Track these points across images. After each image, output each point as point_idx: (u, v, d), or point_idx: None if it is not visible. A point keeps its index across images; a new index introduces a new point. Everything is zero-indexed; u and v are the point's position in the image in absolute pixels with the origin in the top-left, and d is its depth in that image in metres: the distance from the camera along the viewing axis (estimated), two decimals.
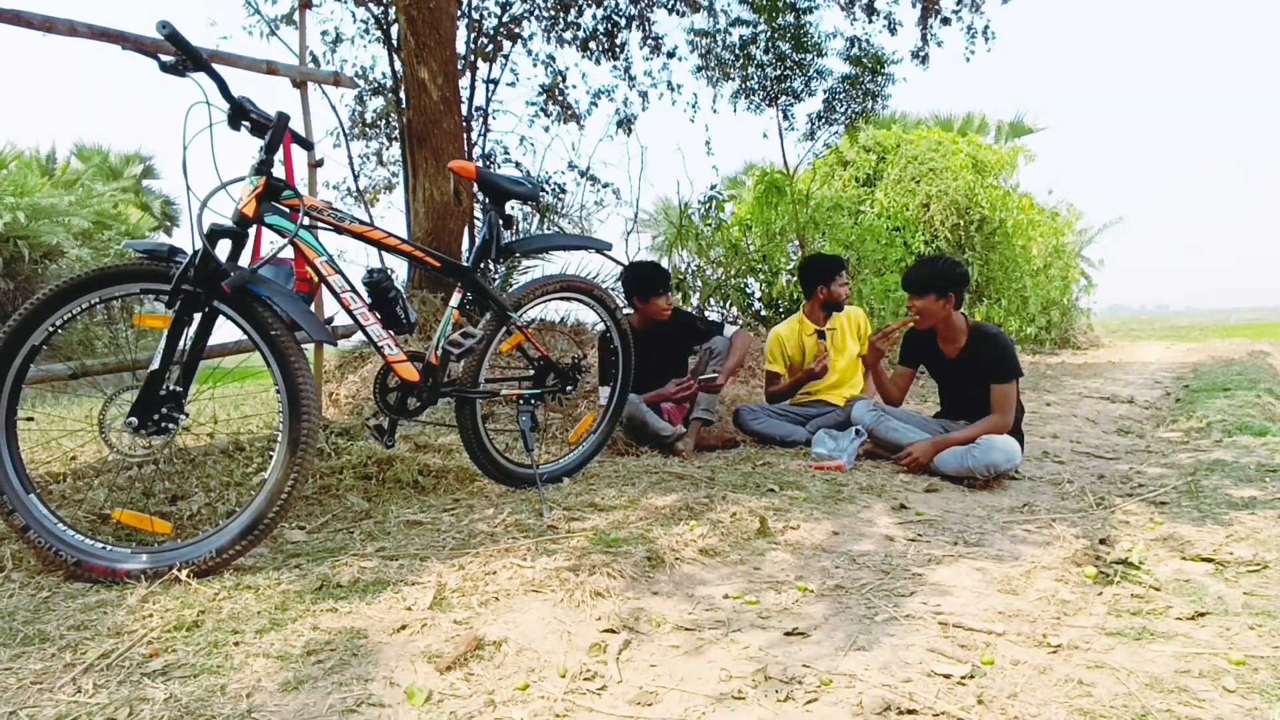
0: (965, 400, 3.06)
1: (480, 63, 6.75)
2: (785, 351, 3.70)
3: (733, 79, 7.40)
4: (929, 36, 7.25)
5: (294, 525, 2.14)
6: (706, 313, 7.29)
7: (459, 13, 5.72)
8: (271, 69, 2.90)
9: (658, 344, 3.41)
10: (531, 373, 2.55)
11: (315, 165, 3.05)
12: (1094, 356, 10.35)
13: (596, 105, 7.58)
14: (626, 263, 4.02)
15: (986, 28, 7.11)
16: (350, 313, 2.08)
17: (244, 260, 1.89)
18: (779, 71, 7.22)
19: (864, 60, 7.19)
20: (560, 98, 7.40)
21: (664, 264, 7.36)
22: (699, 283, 7.55)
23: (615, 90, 7.56)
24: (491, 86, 6.86)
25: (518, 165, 7.31)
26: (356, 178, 6.96)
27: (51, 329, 1.75)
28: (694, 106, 7.74)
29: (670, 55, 7.49)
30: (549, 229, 7.05)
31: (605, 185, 7.58)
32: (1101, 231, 16.07)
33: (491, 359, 2.48)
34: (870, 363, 3.20)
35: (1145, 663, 1.35)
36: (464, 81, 6.22)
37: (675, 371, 3.50)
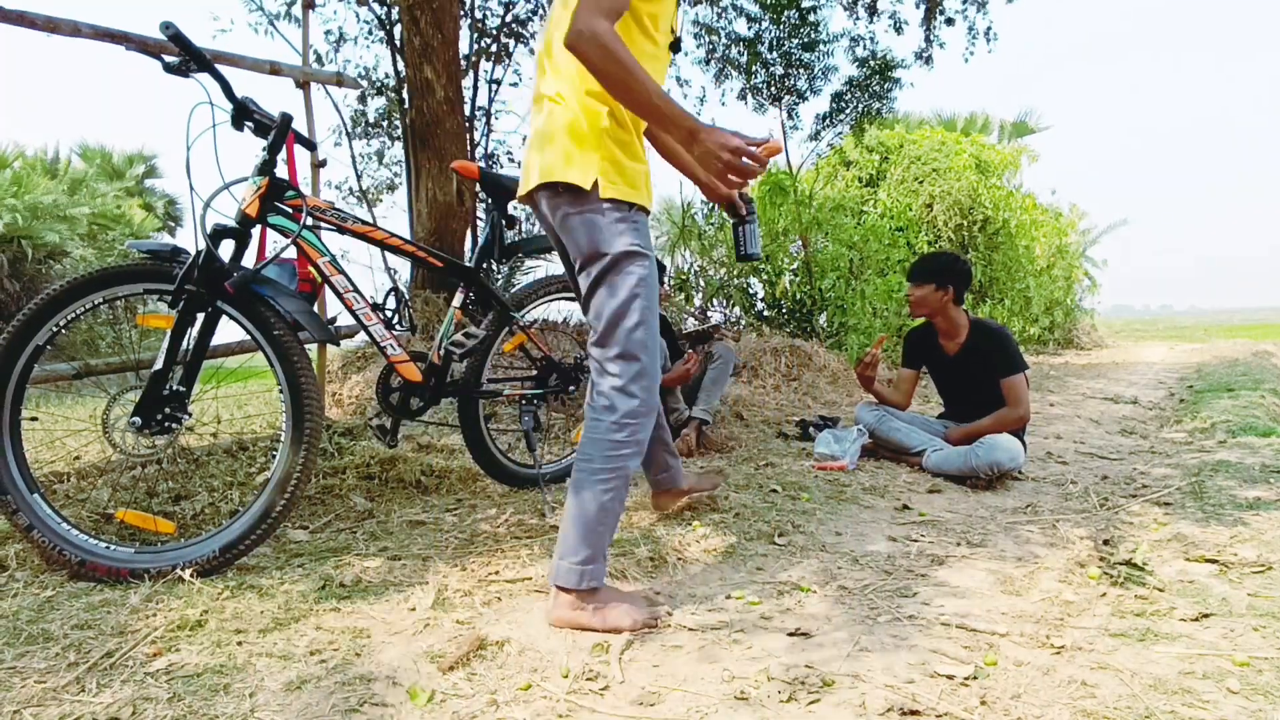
0: (968, 398, 3.05)
1: (483, 63, 6.76)
2: None
3: (736, 77, 7.41)
4: (932, 37, 7.25)
5: (297, 525, 2.14)
6: (710, 314, 7.29)
7: (462, 13, 5.72)
8: (275, 69, 2.91)
9: None
10: (534, 373, 2.56)
11: (318, 165, 3.06)
12: (1098, 357, 10.32)
13: None
14: None
15: (989, 29, 7.12)
16: (353, 313, 2.08)
17: (247, 260, 1.90)
18: (784, 70, 7.23)
19: (871, 63, 7.20)
20: None
21: (666, 263, 7.34)
22: (701, 283, 7.55)
23: None
24: (494, 86, 6.87)
25: (520, 165, 7.32)
26: (359, 178, 6.98)
27: (55, 329, 1.75)
28: (702, 100, 7.75)
29: (675, 50, 7.48)
30: None
31: None
32: (1105, 232, 16.05)
33: (494, 359, 2.48)
34: (867, 388, 3.22)
35: (1149, 664, 1.34)
36: (467, 81, 6.23)
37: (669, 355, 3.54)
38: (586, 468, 1.52)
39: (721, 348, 3.52)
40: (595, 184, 1.49)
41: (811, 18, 7.04)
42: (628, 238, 1.51)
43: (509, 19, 6.89)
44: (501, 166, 7.10)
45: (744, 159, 1.40)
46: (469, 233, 5.32)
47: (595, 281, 1.54)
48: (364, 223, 2.10)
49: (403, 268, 5.52)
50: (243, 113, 1.86)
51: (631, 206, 1.53)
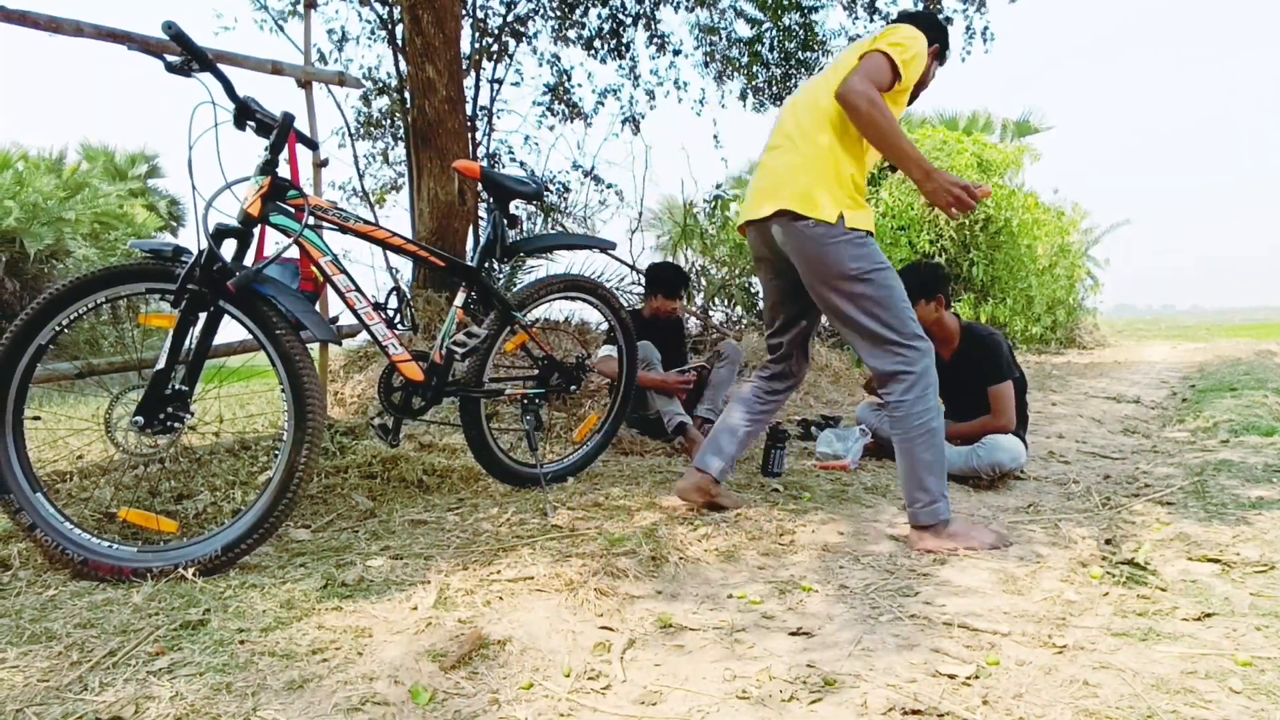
0: (961, 403, 3.05)
1: (485, 62, 6.75)
2: None
3: (737, 78, 7.40)
4: None
5: (299, 524, 2.15)
6: (711, 313, 7.29)
7: (464, 12, 5.72)
8: (277, 69, 2.91)
9: (662, 334, 3.49)
10: (536, 372, 2.56)
11: (320, 165, 3.06)
12: (1100, 356, 10.31)
13: (603, 104, 7.58)
14: (632, 262, 4.06)
15: (986, 29, 7.09)
16: (355, 312, 2.08)
17: (249, 260, 1.90)
18: (785, 70, 7.22)
19: None
20: (565, 97, 7.40)
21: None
22: (703, 282, 7.55)
23: (621, 89, 7.56)
24: (496, 86, 6.87)
25: (522, 165, 7.33)
26: (362, 177, 6.96)
27: (58, 328, 1.75)
28: (701, 103, 7.73)
29: (677, 53, 7.48)
30: (553, 228, 7.05)
31: (609, 186, 7.58)
32: (1108, 232, 16.03)
33: (496, 358, 2.48)
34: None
35: (1151, 664, 1.34)
36: (469, 81, 6.23)
37: (677, 361, 3.56)
38: (905, 436, 1.95)
39: (729, 346, 3.52)
40: (841, 217, 1.94)
41: (813, 17, 7.03)
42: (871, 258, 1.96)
43: (510, 18, 6.89)
44: (503, 166, 7.10)
45: (966, 195, 1.85)
46: (471, 232, 5.31)
47: (854, 295, 1.96)
48: (366, 222, 2.10)
49: (405, 267, 5.52)
50: (245, 112, 1.87)
51: (868, 234, 1.98)
